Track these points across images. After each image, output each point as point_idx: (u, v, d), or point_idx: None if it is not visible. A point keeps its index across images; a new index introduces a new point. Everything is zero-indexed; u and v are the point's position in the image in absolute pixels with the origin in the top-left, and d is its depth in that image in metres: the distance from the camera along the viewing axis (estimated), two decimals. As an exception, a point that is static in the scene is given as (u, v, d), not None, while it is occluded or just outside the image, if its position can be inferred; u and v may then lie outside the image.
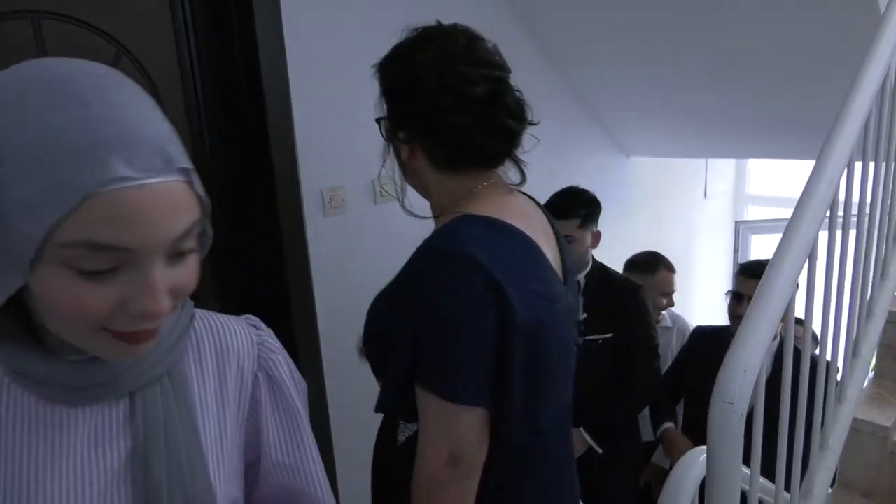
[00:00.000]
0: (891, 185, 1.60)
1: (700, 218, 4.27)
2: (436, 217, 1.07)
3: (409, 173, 1.08)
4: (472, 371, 0.92)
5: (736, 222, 4.69)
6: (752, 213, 4.81)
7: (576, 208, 2.03)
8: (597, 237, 2.10)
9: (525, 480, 1.05)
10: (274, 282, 1.85)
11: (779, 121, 2.76)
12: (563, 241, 1.13)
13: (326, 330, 1.93)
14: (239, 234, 1.83)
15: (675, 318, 2.80)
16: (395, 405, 1.02)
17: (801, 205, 1.19)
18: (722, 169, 4.52)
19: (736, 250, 4.59)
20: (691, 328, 2.65)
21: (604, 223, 2.29)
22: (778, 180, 4.76)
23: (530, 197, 1.14)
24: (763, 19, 2.19)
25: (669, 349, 2.66)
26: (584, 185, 2.18)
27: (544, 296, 0.98)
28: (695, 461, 1.21)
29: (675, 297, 2.69)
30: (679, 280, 2.76)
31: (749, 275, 2.12)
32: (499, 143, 1.00)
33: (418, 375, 0.95)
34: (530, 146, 1.06)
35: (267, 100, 1.70)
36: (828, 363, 1.40)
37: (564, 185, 2.19)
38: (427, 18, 1.99)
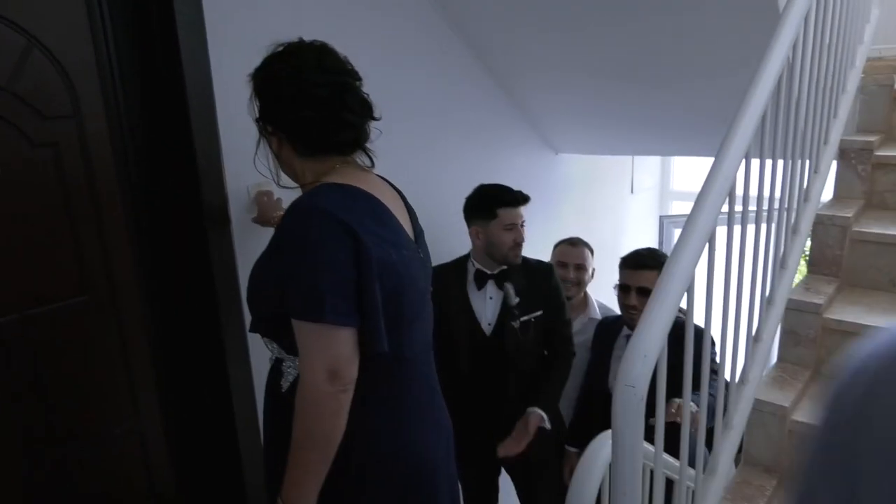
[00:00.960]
0: (788, 179, 1.71)
1: (627, 213, 4.43)
2: (303, 187, 1.31)
3: (281, 160, 1.32)
4: (337, 296, 1.13)
5: (661, 217, 4.88)
6: (676, 208, 5.01)
7: (523, 196, 2.20)
8: None
9: (396, 402, 1.30)
10: (200, 281, 1.83)
11: (700, 119, 2.89)
12: (413, 213, 1.39)
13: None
14: (162, 232, 1.81)
15: (606, 312, 2.89)
16: (263, 327, 1.29)
17: (700, 197, 1.26)
18: (648, 166, 4.69)
19: (661, 243, 4.78)
20: None
21: (533, 218, 2.37)
22: (700, 177, 4.96)
23: (386, 180, 1.39)
24: (681, 24, 2.30)
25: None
26: (514, 180, 2.29)
27: (392, 242, 1.22)
28: (603, 445, 1.28)
29: (605, 288, 2.84)
30: (608, 272, 2.87)
31: (632, 266, 2.32)
32: (343, 133, 1.25)
33: (291, 309, 1.16)
34: (374, 137, 1.31)
35: (189, 93, 1.68)
36: (717, 358, 1.49)
37: (495, 180, 2.26)
38: (356, 25, 2.04)
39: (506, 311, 2.21)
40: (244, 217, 1.90)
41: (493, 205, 2.17)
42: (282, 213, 1.91)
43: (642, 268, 2.27)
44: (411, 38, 2.42)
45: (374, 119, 1.29)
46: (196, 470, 1.98)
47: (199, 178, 1.75)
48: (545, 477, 2.36)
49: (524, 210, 2.20)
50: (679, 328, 1.33)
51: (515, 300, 2.20)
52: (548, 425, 2.18)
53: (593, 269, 2.82)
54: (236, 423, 1.89)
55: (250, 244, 1.90)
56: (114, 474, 1.80)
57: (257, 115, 1.28)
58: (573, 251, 2.79)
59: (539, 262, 2.36)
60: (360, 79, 1.27)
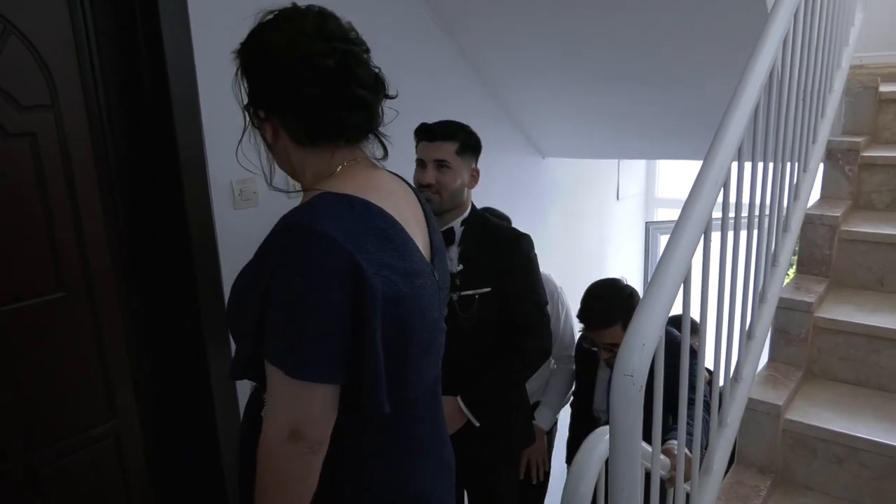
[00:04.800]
0: (779, 175, 1.70)
1: (613, 219, 4.43)
2: (304, 189, 1.09)
3: (276, 154, 1.09)
4: (322, 347, 0.92)
5: (646, 223, 4.90)
6: (662, 214, 5.03)
7: (454, 131, 1.86)
8: (475, 175, 1.91)
9: (398, 448, 1.09)
10: (181, 277, 1.78)
11: (685, 123, 2.90)
12: (433, 222, 1.18)
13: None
14: (143, 228, 1.76)
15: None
16: (243, 372, 1.03)
17: (694, 187, 1.24)
18: (633, 172, 4.71)
19: (647, 250, 4.79)
20: None
21: (521, 222, 2.31)
22: (685, 184, 4.99)
23: (401, 178, 1.17)
24: (668, 26, 2.30)
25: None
26: (501, 184, 2.17)
27: (402, 270, 1.00)
28: (599, 440, 1.24)
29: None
30: (594, 278, 2.80)
31: (589, 328, 2.13)
32: (353, 114, 1.02)
33: (266, 350, 0.95)
34: (389, 119, 1.09)
35: (171, 84, 1.64)
36: (716, 352, 1.47)
37: (483, 182, 2.17)
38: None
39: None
40: (228, 211, 1.85)
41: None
42: None
43: (603, 327, 2.05)
44: (400, 39, 2.39)
45: (389, 97, 1.07)
46: (174, 473, 1.91)
47: (181, 171, 1.70)
48: (492, 486, 1.99)
49: (443, 147, 1.82)
50: (674, 347, 1.30)
51: (458, 267, 1.83)
52: (474, 421, 1.82)
53: None
54: (217, 424, 1.83)
55: (233, 240, 1.86)
56: (88, 476, 1.73)
57: (245, 100, 1.05)
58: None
59: (507, 229, 1.97)
60: (368, 50, 1.06)
